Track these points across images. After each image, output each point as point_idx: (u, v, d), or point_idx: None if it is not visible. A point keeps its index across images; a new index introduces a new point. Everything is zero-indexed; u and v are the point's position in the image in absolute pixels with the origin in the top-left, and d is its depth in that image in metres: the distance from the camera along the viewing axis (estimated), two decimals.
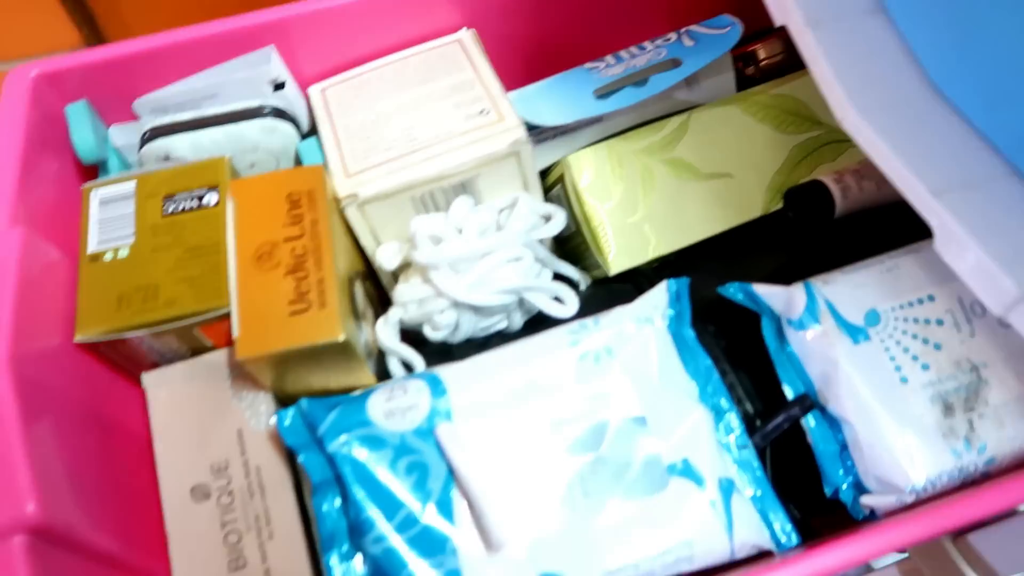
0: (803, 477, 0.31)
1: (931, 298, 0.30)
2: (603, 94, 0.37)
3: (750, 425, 0.32)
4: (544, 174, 0.40)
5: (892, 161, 0.23)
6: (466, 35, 0.40)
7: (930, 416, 0.28)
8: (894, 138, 0.24)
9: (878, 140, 0.24)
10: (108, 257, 0.33)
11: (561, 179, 0.38)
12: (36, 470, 0.26)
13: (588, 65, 0.39)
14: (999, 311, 0.22)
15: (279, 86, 0.39)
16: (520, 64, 0.43)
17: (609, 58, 0.39)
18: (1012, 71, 0.23)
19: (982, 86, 0.25)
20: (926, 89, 0.27)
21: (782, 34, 0.42)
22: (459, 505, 0.28)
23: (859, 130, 0.24)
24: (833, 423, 0.30)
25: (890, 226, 0.35)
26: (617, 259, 0.36)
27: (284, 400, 0.33)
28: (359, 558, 0.28)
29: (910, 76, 0.26)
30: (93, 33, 0.95)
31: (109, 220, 0.34)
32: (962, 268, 0.23)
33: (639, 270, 0.37)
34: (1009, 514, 0.26)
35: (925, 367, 0.29)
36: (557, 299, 0.35)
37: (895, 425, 0.28)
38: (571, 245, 0.40)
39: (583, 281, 0.38)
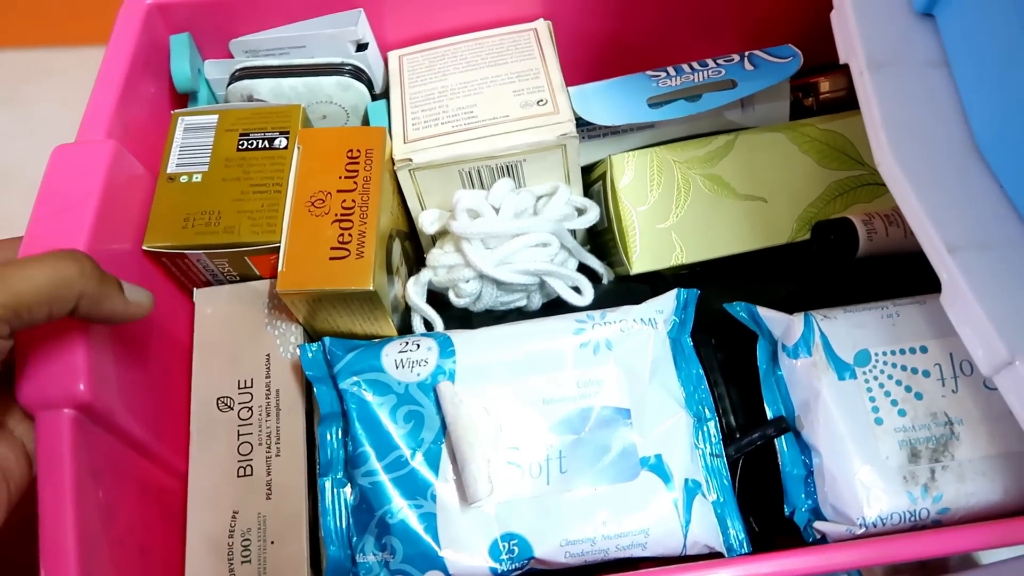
0: (768, 494, 0.32)
1: (924, 349, 0.32)
2: (656, 103, 0.38)
3: (729, 437, 0.34)
4: (590, 169, 0.42)
5: (916, 210, 0.25)
6: (542, 25, 0.42)
7: (896, 459, 0.30)
8: (924, 189, 0.25)
9: (908, 189, 0.25)
10: (183, 179, 0.37)
11: (604, 176, 0.40)
12: (91, 356, 0.30)
13: (650, 72, 0.40)
14: (987, 371, 0.24)
15: (362, 47, 0.42)
16: (588, 60, 0.45)
17: (670, 69, 0.40)
18: None
19: (1019, 156, 0.26)
20: (968, 148, 0.28)
21: (847, 71, 0.43)
22: (445, 459, 0.31)
23: (892, 177, 0.26)
24: (804, 449, 0.32)
25: (908, 275, 0.36)
26: (640, 260, 0.38)
27: (312, 335, 0.37)
28: (349, 487, 0.31)
29: (956, 133, 0.27)
30: None
31: (189, 146, 0.38)
32: (961, 324, 0.24)
33: (659, 274, 0.39)
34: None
35: (902, 413, 0.31)
36: (576, 288, 0.37)
37: (860, 461, 0.30)
38: (603, 239, 0.42)
39: (606, 275, 0.40)
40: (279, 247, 0.35)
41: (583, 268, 0.41)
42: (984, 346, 0.24)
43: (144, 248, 0.35)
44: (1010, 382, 0.23)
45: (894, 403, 0.31)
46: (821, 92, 0.43)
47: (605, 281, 0.41)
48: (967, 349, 0.24)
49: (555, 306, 0.38)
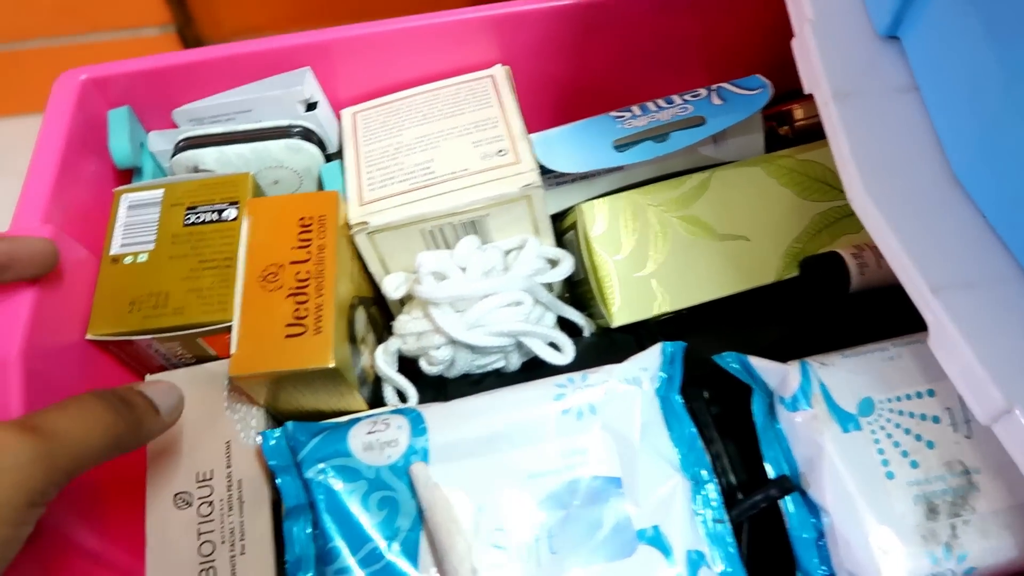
0: (778, 560, 0.30)
1: (930, 393, 0.29)
2: (622, 146, 0.37)
3: (731, 496, 0.32)
4: (561, 216, 0.40)
5: (895, 250, 0.23)
6: (499, 72, 0.41)
7: (912, 516, 0.28)
8: (901, 226, 0.23)
9: (884, 226, 0.23)
10: (128, 260, 0.34)
11: (575, 225, 0.38)
12: None
13: (614, 113, 0.39)
14: (985, 420, 0.21)
15: (311, 106, 0.40)
16: (552, 103, 0.44)
17: (635, 108, 0.38)
18: None
19: (999, 183, 0.24)
20: (945, 177, 0.26)
21: None
22: (424, 546, 0.28)
23: (866, 213, 0.24)
24: (813, 509, 0.29)
25: (905, 308, 0.34)
26: (620, 312, 0.36)
27: (277, 416, 0.34)
28: None
29: (931, 161, 0.25)
30: (182, 11, 0.99)
31: (134, 225, 0.35)
32: (952, 370, 0.22)
33: (643, 323, 0.37)
34: None
35: (914, 464, 0.28)
36: (554, 345, 0.35)
37: (874, 521, 0.28)
38: (580, 291, 0.40)
39: (587, 327, 0.38)
40: (231, 326, 0.32)
41: (563, 322, 0.38)
42: (978, 394, 0.22)
43: (87, 338, 0.33)
44: (1010, 432, 0.21)
45: (904, 454, 0.29)
46: (796, 120, 0.41)
47: (587, 334, 0.38)
48: (961, 396, 0.22)
49: (535, 365, 0.36)
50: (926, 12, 0.26)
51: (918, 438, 0.29)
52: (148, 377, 0.34)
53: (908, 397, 0.29)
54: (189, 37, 1.05)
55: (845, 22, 0.27)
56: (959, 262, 0.24)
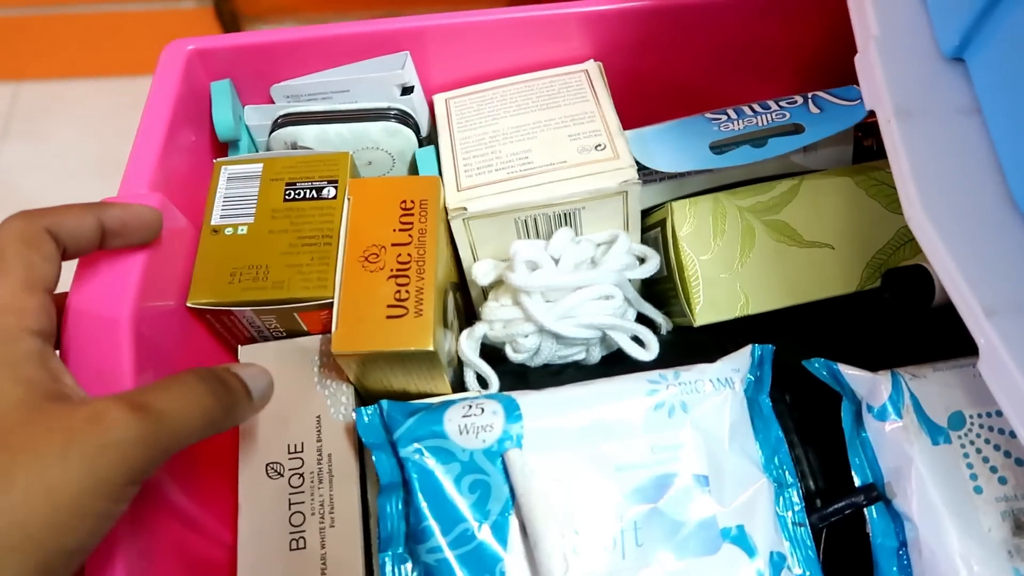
0: (857, 567, 0.30)
1: None
2: (718, 148, 0.37)
3: (810, 502, 0.32)
4: (646, 214, 0.40)
5: (950, 269, 0.23)
6: (592, 67, 0.41)
7: (998, 531, 0.28)
8: (957, 248, 0.24)
9: (940, 246, 0.23)
10: (228, 232, 0.35)
11: (662, 222, 0.38)
12: None
13: (709, 115, 0.39)
14: None
15: (407, 90, 0.40)
16: (642, 101, 0.44)
17: (731, 111, 0.39)
18: None
19: None
20: (1004, 202, 0.26)
21: None
22: (514, 530, 0.29)
23: (923, 233, 0.24)
24: (896, 519, 0.30)
25: None
26: (703, 312, 0.36)
27: (362, 393, 0.35)
28: (411, 563, 0.29)
29: (990, 186, 0.25)
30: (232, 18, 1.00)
31: (234, 197, 0.36)
32: (1001, 394, 0.22)
33: (721, 324, 0.37)
34: None
35: (1003, 480, 0.29)
36: (638, 340, 0.36)
37: (959, 534, 0.28)
38: (659, 288, 0.40)
39: (665, 325, 0.39)
40: (331, 303, 0.33)
41: (641, 319, 0.39)
42: None
43: (188, 305, 0.34)
44: None
45: (993, 470, 0.29)
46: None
47: (663, 332, 0.39)
48: (1010, 421, 0.23)
49: (615, 360, 0.37)
50: (996, 36, 0.26)
51: (1007, 455, 0.29)
52: (241, 355, 0.35)
53: (999, 414, 0.30)
54: (225, 12, 1.06)
55: (910, 41, 0.28)
56: (1014, 286, 0.24)
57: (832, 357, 0.33)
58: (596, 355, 0.37)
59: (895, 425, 0.30)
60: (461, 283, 0.39)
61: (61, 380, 0.25)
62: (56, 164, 1.02)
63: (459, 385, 0.37)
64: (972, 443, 0.29)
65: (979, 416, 0.30)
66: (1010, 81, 0.26)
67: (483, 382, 0.37)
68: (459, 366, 0.37)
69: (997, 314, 0.23)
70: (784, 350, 0.35)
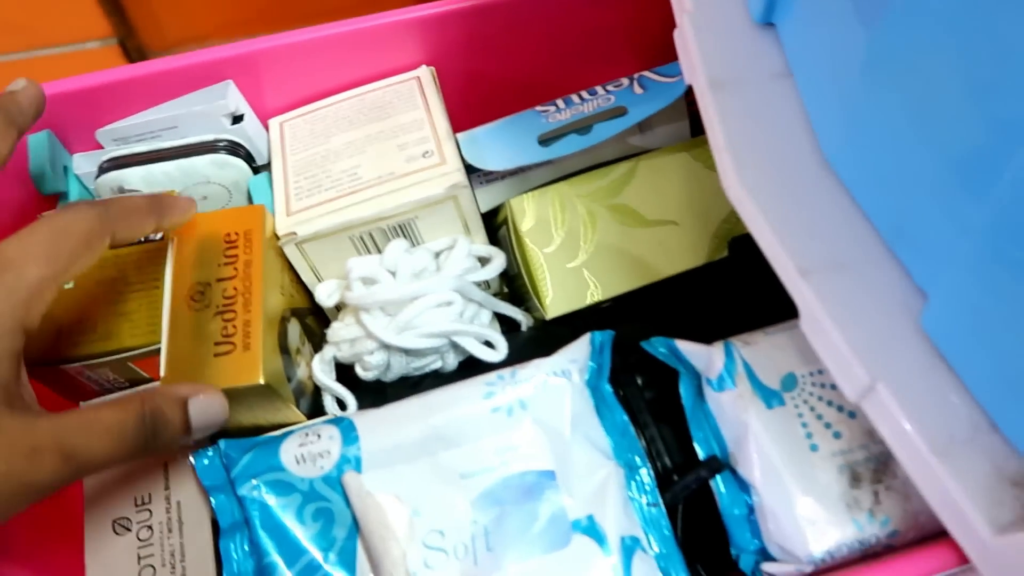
0: (714, 538, 0.30)
1: None
2: (546, 140, 0.37)
3: (667, 479, 0.32)
4: (494, 213, 0.40)
5: (766, 235, 0.23)
6: (424, 72, 0.41)
7: (837, 486, 0.28)
8: (772, 212, 0.24)
9: (756, 213, 0.24)
10: None
11: (507, 220, 0.38)
12: None
13: (539, 108, 0.39)
14: (852, 398, 0.22)
15: (237, 119, 0.40)
16: (480, 102, 0.43)
17: (560, 102, 0.39)
18: (889, 154, 0.23)
19: (863, 165, 0.25)
20: (817, 161, 0.26)
21: None
22: (361, 555, 0.29)
23: (739, 201, 0.24)
24: (743, 486, 0.30)
25: None
26: (554, 304, 0.36)
27: (214, 435, 0.34)
28: None
29: (804, 146, 0.26)
30: (123, 22, 0.97)
31: None
32: (821, 350, 0.23)
33: (578, 313, 0.37)
34: None
35: (837, 435, 0.29)
36: (488, 343, 0.35)
37: (800, 493, 0.28)
38: (516, 285, 0.40)
39: (525, 322, 0.38)
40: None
41: (502, 318, 0.39)
42: (844, 373, 0.22)
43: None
44: (874, 408, 0.22)
45: (827, 426, 0.29)
46: None
47: (524, 328, 0.39)
48: (831, 376, 0.23)
49: (475, 363, 0.36)
50: None
51: (840, 409, 0.29)
52: (82, 404, 0.34)
53: None
54: (132, 49, 1.03)
55: (723, 12, 0.28)
56: (829, 245, 0.24)
57: (688, 333, 0.33)
58: (452, 362, 0.37)
59: (731, 394, 0.30)
60: (315, 306, 0.39)
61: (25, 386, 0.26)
62: None
63: (319, 411, 0.36)
64: (805, 402, 0.30)
65: (810, 375, 0.30)
66: (812, 40, 0.26)
67: (343, 405, 0.36)
68: (317, 392, 0.37)
69: (812, 273, 0.24)
70: (639, 332, 0.35)
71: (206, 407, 0.28)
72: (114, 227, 0.28)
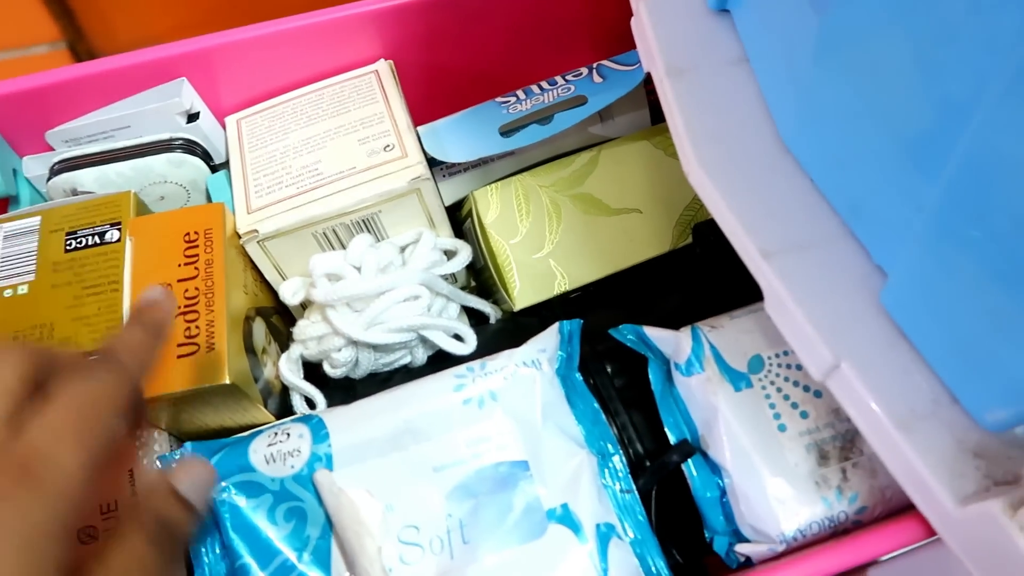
0: (688, 521, 0.31)
1: None
2: (508, 131, 0.37)
3: (640, 466, 0.32)
4: (459, 206, 0.40)
5: (728, 220, 0.24)
6: (383, 66, 0.40)
7: (805, 464, 0.29)
8: (734, 196, 0.24)
9: (717, 198, 0.24)
10: (8, 294, 0.33)
11: (471, 213, 0.38)
12: None
13: (499, 99, 0.39)
14: (817, 377, 0.22)
15: (192, 117, 0.39)
16: (441, 94, 0.43)
17: (520, 92, 0.39)
18: (845, 136, 0.24)
19: (819, 146, 0.25)
20: (775, 145, 0.27)
21: None
22: (336, 553, 0.28)
23: (701, 186, 0.24)
24: (714, 469, 0.30)
25: None
26: (522, 295, 0.36)
27: (181, 437, 0.34)
28: None
29: (762, 130, 0.26)
30: (71, 25, 0.95)
31: (11, 256, 0.34)
32: (786, 331, 0.23)
33: (546, 304, 0.37)
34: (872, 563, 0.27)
35: (804, 415, 0.29)
36: (457, 336, 0.35)
37: (769, 473, 0.28)
38: (483, 278, 0.40)
39: (494, 314, 0.38)
40: None
41: (471, 311, 0.39)
42: (810, 353, 0.23)
43: None
44: (839, 386, 0.22)
45: (794, 405, 0.30)
46: None
47: (493, 320, 0.39)
48: (797, 356, 0.23)
49: (443, 358, 0.36)
50: None
51: (806, 389, 0.30)
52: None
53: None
54: (82, 52, 1.01)
55: (679, 0, 0.28)
56: (790, 227, 0.25)
57: (656, 320, 0.33)
58: (421, 357, 0.36)
59: (699, 378, 0.30)
60: (280, 305, 0.38)
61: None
62: None
63: (286, 411, 0.36)
64: (772, 383, 0.30)
65: (776, 356, 0.30)
66: (768, 25, 0.27)
67: (312, 404, 0.36)
68: (285, 392, 0.36)
69: (774, 255, 0.24)
70: (608, 320, 0.35)
71: (194, 482, 0.25)
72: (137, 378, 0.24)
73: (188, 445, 0.30)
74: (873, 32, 0.22)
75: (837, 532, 0.28)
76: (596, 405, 0.32)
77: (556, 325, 0.33)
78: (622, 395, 0.34)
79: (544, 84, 0.38)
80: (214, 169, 0.39)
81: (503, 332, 0.38)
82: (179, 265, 0.32)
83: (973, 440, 0.23)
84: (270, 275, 0.36)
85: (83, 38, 0.94)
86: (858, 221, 0.25)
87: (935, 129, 0.21)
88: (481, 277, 0.40)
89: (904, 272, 0.23)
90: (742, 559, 0.29)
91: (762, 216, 0.24)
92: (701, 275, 0.38)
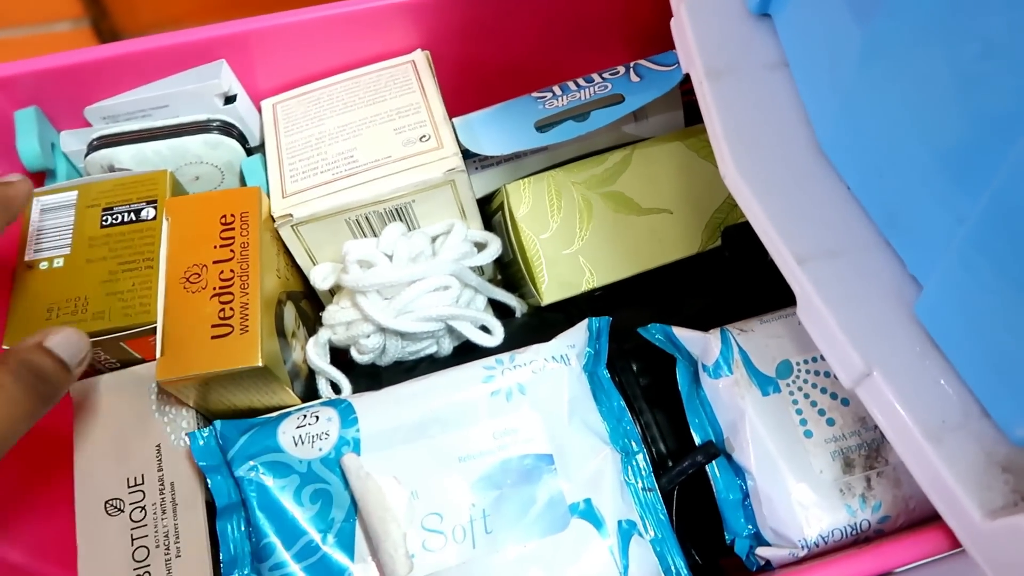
0: (708, 522, 0.31)
1: None
2: (543, 126, 0.37)
3: (662, 465, 0.32)
4: (489, 199, 0.40)
5: (763, 223, 0.24)
6: (420, 56, 0.41)
7: (830, 472, 0.29)
8: (770, 200, 0.24)
9: (754, 202, 0.24)
10: (43, 266, 0.34)
11: (502, 206, 0.38)
12: None
13: (535, 94, 0.39)
14: (848, 384, 0.23)
15: (230, 99, 0.39)
16: (475, 87, 0.43)
17: (556, 88, 0.39)
18: (884, 145, 0.24)
19: (858, 154, 0.25)
20: (812, 150, 0.27)
21: None
22: (360, 536, 0.29)
23: (738, 189, 0.25)
24: (738, 472, 0.30)
25: None
26: (550, 290, 0.36)
27: (209, 416, 0.34)
28: None
29: (799, 135, 0.26)
30: (95, 3, 0.95)
31: (48, 229, 0.34)
32: (818, 337, 0.23)
33: (572, 300, 0.37)
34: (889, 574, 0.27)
35: (830, 422, 0.30)
36: (484, 328, 0.36)
37: (794, 479, 0.29)
38: (511, 271, 0.40)
39: (519, 308, 0.39)
40: (156, 327, 0.32)
41: (496, 304, 0.39)
42: (841, 360, 0.23)
43: (4, 347, 0.32)
44: (869, 394, 0.22)
45: (821, 412, 0.30)
46: None
47: (519, 314, 0.39)
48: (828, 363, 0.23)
49: (469, 349, 0.36)
50: None
51: (833, 396, 0.30)
52: (72, 393, 0.33)
53: (823, 357, 0.30)
54: (105, 31, 1.01)
55: (719, 2, 0.28)
56: (825, 233, 0.25)
57: (681, 321, 0.34)
58: (447, 347, 0.37)
59: (727, 381, 0.30)
60: (308, 290, 0.39)
61: None
62: None
63: (312, 394, 0.36)
64: (800, 389, 0.30)
65: (805, 362, 0.31)
66: (809, 31, 0.27)
67: (337, 388, 0.36)
68: (311, 375, 0.36)
69: (809, 261, 0.24)
70: (634, 319, 0.35)
71: (64, 340, 0.27)
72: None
73: (217, 423, 0.31)
74: (916, 45, 0.22)
75: (859, 540, 0.29)
76: (621, 402, 0.32)
77: (585, 321, 0.33)
78: (646, 394, 0.34)
79: (581, 81, 0.39)
80: (248, 152, 0.39)
81: (528, 326, 0.38)
82: (215, 247, 0.33)
83: (1002, 454, 0.23)
84: (301, 260, 0.36)
85: (106, 16, 0.95)
86: (894, 230, 0.25)
87: (979, 143, 0.21)
88: (508, 271, 0.41)
89: (940, 284, 0.23)
90: (762, 562, 0.29)
91: (797, 221, 0.24)
92: (728, 279, 0.38)
